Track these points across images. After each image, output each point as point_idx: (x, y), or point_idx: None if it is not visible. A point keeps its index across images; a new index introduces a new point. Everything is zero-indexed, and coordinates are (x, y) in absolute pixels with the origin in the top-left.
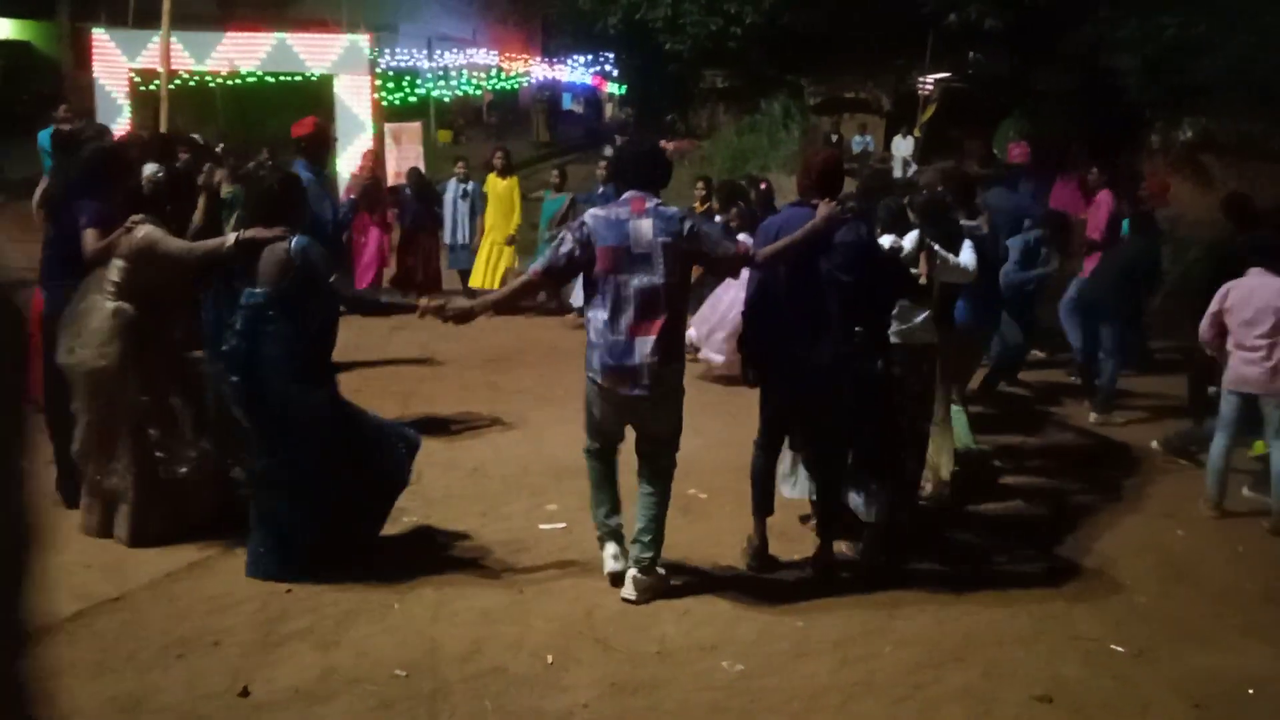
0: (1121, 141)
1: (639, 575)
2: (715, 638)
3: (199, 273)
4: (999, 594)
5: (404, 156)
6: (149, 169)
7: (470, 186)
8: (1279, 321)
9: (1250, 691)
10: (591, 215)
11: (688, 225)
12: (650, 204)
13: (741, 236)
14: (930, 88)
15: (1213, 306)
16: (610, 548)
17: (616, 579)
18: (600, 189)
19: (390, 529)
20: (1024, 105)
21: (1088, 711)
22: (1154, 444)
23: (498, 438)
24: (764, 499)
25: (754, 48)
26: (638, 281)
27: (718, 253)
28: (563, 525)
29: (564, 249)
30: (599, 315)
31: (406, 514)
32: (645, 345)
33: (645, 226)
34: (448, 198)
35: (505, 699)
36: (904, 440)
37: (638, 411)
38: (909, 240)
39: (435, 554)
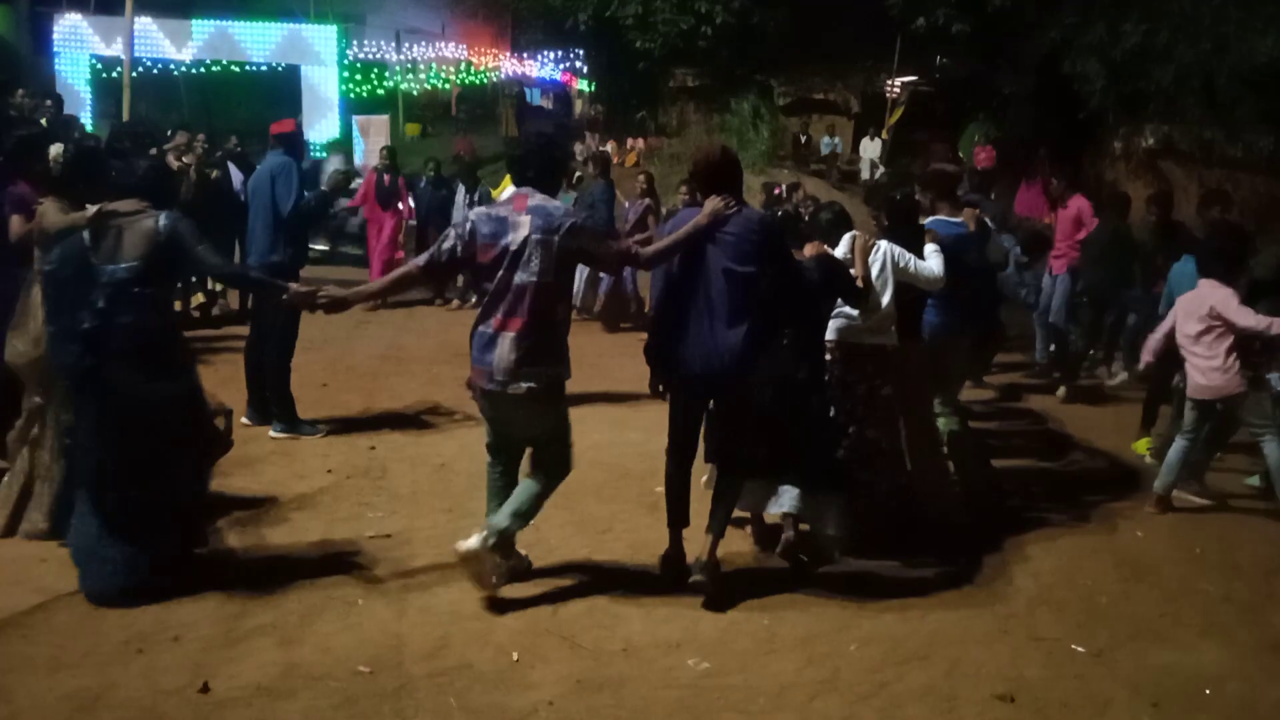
0: (1084, 146)
1: (481, 546)
2: (681, 635)
3: None
4: (962, 594)
5: (372, 149)
6: (54, 149)
7: (478, 194)
8: (1209, 326)
9: (1207, 691)
10: (476, 212)
11: (567, 223)
12: (534, 201)
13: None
14: (898, 90)
15: (1165, 325)
16: (478, 534)
17: (464, 557)
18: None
19: (356, 525)
20: (989, 109)
21: (1048, 710)
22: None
23: (465, 434)
24: (676, 509)
25: (724, 47)
26: (509, 278)
27: (599, 251)
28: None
29: (445, 245)
30: (480, 311)
31: (372, 509)
32: (505, 342)
33: (524, 223)
34: (458, 201)
35: (470, 696)
36: (851, 445)
37: (497, 408)
38: (843, 244)
39: (401, 550)
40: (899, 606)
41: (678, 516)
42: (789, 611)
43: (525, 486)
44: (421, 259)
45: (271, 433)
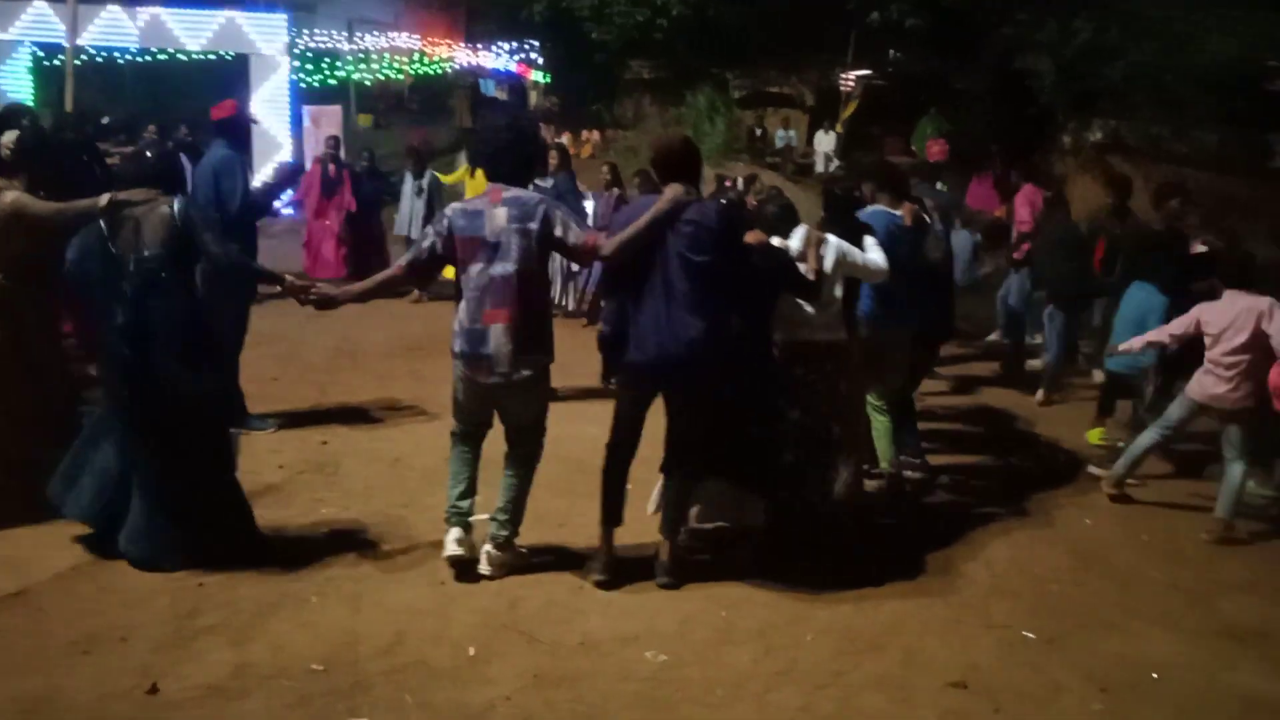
0: (1035, 141)
1: (493, 551)
2: (638, 629)
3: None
4: (916, 584)
5: (322, 140)
6: (7, 136)
7: (426, 180)
8: (1251, 340)
9: (1155, 675)
10: (452, 208)
11: (541, 210)
12: (509, 192)
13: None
14: (852, 84)
15: (1187, 325)
16: (454, 532)
17: (455, 563)
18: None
19: (309, 521)
20: (942, 104)
21: (1001, 698)
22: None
23: (419, 428)
24: (610, 506)
25: (680, 40)
26: (492, 270)
27: (570, 240)
28: (486, 516)
29: (426, 243)
30: (461, 304)
31: (325, 505)
32: (498, 333)
33: (500, 215)
34: (405, 190)
35: (426, 692)
36: (803, 442)
37: (497, 399)
38: (796, 237)
39: (355, 546)
40: (854, 597)
41: (611, 514)
42: (746, 603)
43: (511, 485)
44: (404, 260)
45: None
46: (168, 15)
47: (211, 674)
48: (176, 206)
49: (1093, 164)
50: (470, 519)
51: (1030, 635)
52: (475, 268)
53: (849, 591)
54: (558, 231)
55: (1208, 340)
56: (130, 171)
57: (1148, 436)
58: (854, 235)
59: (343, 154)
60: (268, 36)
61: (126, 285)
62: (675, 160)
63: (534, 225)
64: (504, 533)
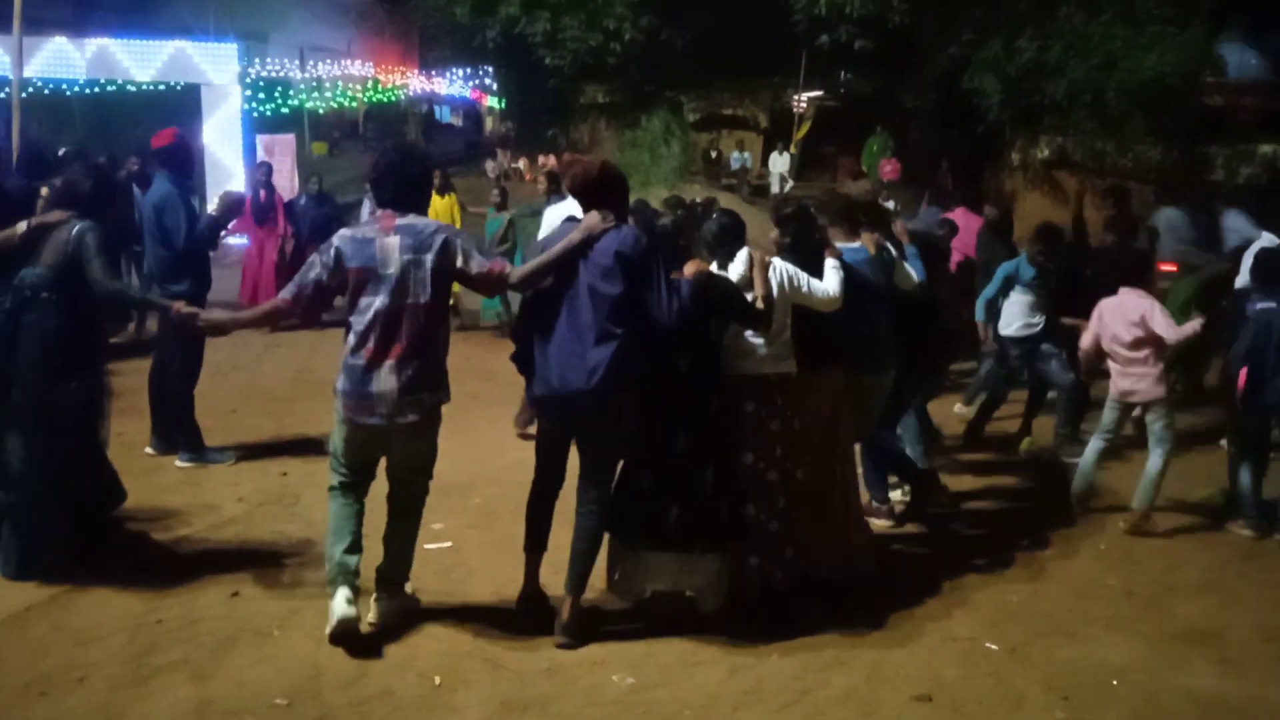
0: (984, 158)
1: (384, 597)
2: (604, 653)
3: None
4: (879, 598)
5: (277, 169)
6: None
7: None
8: (1148, 335)
9: (1115, 682)
10: (340, 236)
11: (439, 240)
12: (403, 219)
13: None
14: (804, 106)
15: (1092, 325)
16: (343, 592)
17: (344, 626)
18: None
19: (269, 553)
20: (892, 124)
21: (965, 709)
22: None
23: None
24: (532, 535)
25: (634, 64)
26: (381, 303)
27: (473, 270)
28: (448, 544)
29: (312, 274)
30: (348, 339)
31: (286, 537)
32: (385, 371)
33: (392, 244)
34: (363, 214)
35: None
36: (758, 490)
37: (382, 441)
38: (739, 261)
39: (314, 577)
40: (818, 614)
41: (534, 541)
42: (711, 625)
43: (399, 534)
44: (287, 292)
45: (178, 462)
46: (116, 46)
47: (172, 713)
48: (74, 230)
49: (1041, 180)
50: (358, 577)
51: (992, 646)
52: (364, 300)
53: (812, 608)
54: (459, 262)
55: (1109, 336)
56: (55, 195)
57: (1093, 446)
58: (814, 257)
59: (295, 182)
60: (219, 66)
61: (7, 296)
62: (594, 186)
63: (429, 256)
64: (393, 579)
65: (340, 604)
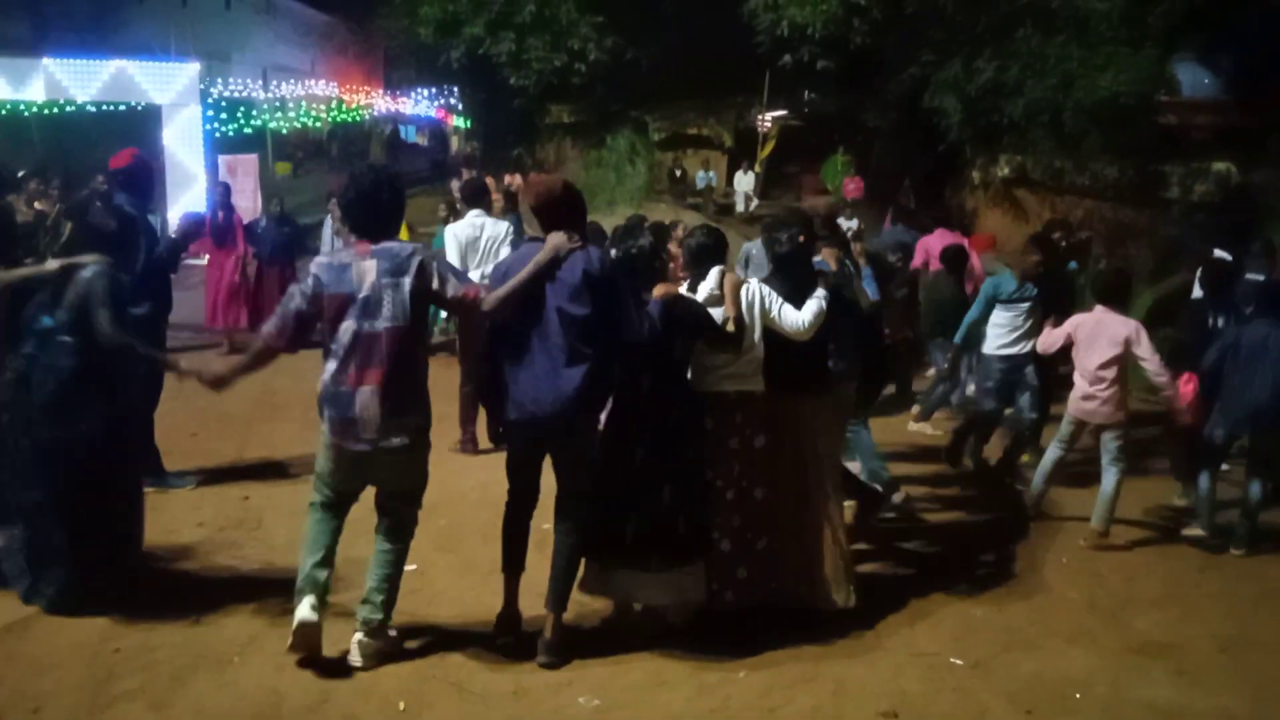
0: (946, 177)
1: (365, 639)
2: (570, 674)
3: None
4: (843, 614)
5: (240, 189)
6: None
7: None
8: (1120, 355)
9: (1078, 695)
10: (317, 264)
11: (414, 262)
12: (379, 243)
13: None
14: (768, 125)
15: (1066, 329)
16: (308, 599)
17: (306, 630)
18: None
19: (229, 578)
20: (855, 142)
21: None
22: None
23: None
24: (509, 555)
25: (599, 84)
26: (360, 327)
27: (449, 294)
28: (414, 567)
29: (292, 305)
30: (328, 365)
31: (246, 562)
32: (366, 396)
33: (369, 268)
34: (325, 234)
35: None
36: (718, 507)
37: (369, 466)
38: (710, 280)
39: (278, 603)
40: (783, 632)
41: (511, 561)
42: (677, 644)
43: (386, 561)
44: (271, 325)
45: None
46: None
47: None
48: (86, 274)
49: (1001, 198)
50: (327, 593)
51: (957, 660)
52: (343, 325)
53: (777, 625)
54: (434, 285)
55: (1078, 351)
56: (84, 236)
57: (1050, 456)
58: (803, 288)
59: (258, 202)
60: (180, 85)
61: (28, 342)
62: (556, 206)
63: (407, 279)
64: (377, 617)
65: (304, 609)
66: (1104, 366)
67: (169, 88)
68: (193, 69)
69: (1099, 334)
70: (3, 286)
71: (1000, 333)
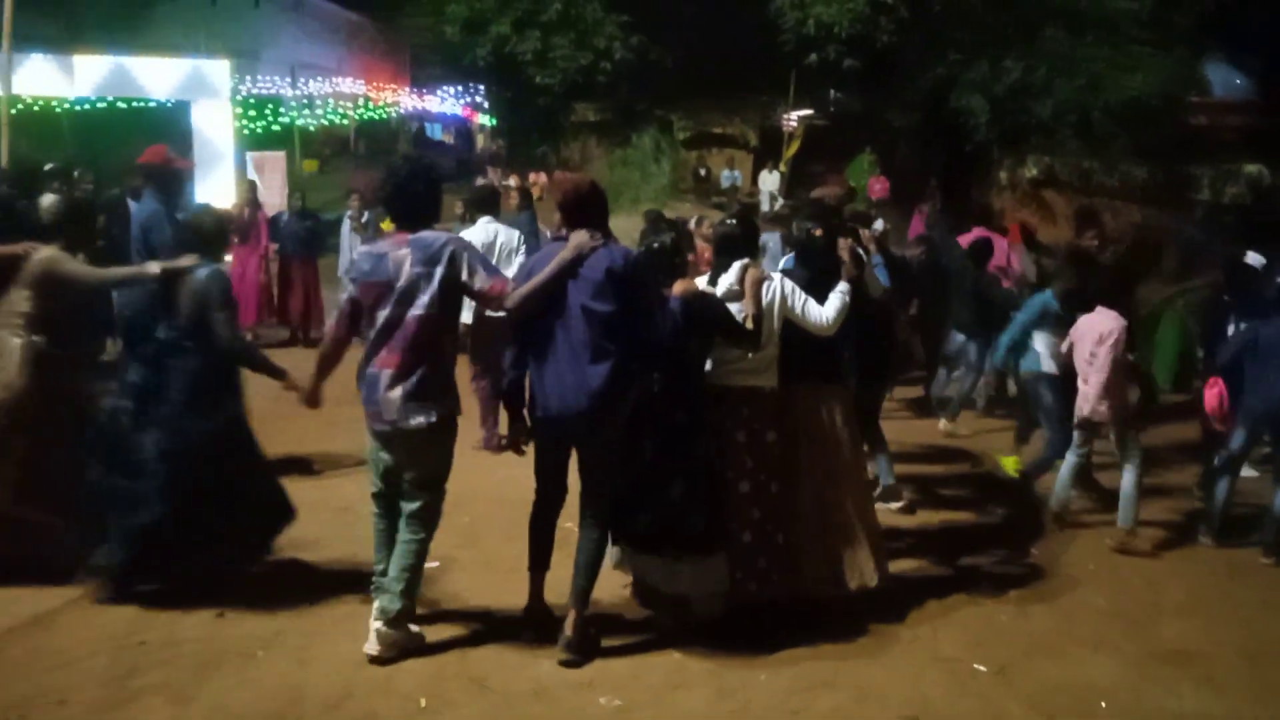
0: (971, 177)
1: (383, 629)
2: (591, 674)
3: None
4: (865, 616)
5: (268, 186)
6: (47, 199)
7: (366, 218)
8: (1105, 348)
9: (1101, 703)
10: (359, 251)
11: (447, 251)
12: (415, 235)
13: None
14: (794, 124)
15: (1070, 335)
16: (375, 605)
17: (381, 636)
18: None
19: (254, 574)
20: (880, 142)
21: None
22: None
23: (367, 476)
24: (536, 553)
25: (624, 83)
26: (391, 314)
27: (477, 285)
28: (435, 564)
29: (344, 296)
30: (365, 350)
31: (274, 556)
32: (387, 378)
33: (404, 257)
34: (344, 232)
35: None
36: (735, 498)
37: (389, 448)
38: (732, 273)
39: (301, 597)
40: (805, 633)
41: (537, 559)
42: (698, 644)
43: (407, 550)
44: (332, 320)
45: None
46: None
47: None
48: (202, 277)
49: (1029, 199)
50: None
51: (979, 666)
52: (379, 312)
53: (799, 628)
54: (464, 275)
55: (1078, 349)
56: (182, 237)
57: (1068, 463)
58: (826, 282)
59: (285, 198)
60: (210, 83)
61: (152, 345)
62: (581, 205)
63: (439, 269)
64: (395, 606)
65: (373, 618)
66: (1090, 361)
67: (199, 85)
68: (222, 66)
69: (1087, 331)
70: (104, 287)
71: (1047, 351)
